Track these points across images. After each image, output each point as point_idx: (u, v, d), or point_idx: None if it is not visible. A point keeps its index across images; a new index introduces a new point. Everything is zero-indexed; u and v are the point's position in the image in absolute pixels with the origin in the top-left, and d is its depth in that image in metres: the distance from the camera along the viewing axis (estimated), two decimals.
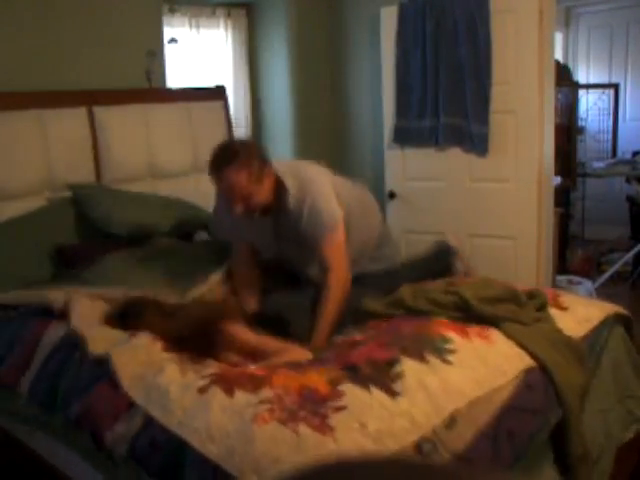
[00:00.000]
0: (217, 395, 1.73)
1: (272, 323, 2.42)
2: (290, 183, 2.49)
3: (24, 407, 2.25)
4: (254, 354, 2.23)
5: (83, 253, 3.03)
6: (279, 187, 2.50)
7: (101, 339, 2.14)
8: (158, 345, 2.07)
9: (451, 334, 2.02)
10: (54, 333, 2.32)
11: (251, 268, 2.74)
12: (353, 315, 2.43)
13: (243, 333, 2.29)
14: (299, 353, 2.18)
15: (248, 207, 2.43)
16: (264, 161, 2.45)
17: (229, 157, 2.38)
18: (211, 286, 2.74)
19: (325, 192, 2.51)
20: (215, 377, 1.84)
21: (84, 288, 2.73)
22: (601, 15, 6.32)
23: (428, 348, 1.92)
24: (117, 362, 1.97)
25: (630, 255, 4.82)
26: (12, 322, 2.52)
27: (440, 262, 2.76)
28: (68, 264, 2.99)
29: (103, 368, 2.00)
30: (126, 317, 2.29)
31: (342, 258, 2.49)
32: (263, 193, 2.44)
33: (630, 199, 5.36)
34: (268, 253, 2.76)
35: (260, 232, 2.66)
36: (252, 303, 2.63)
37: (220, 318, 2.30)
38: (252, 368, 2.01)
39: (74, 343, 2.17)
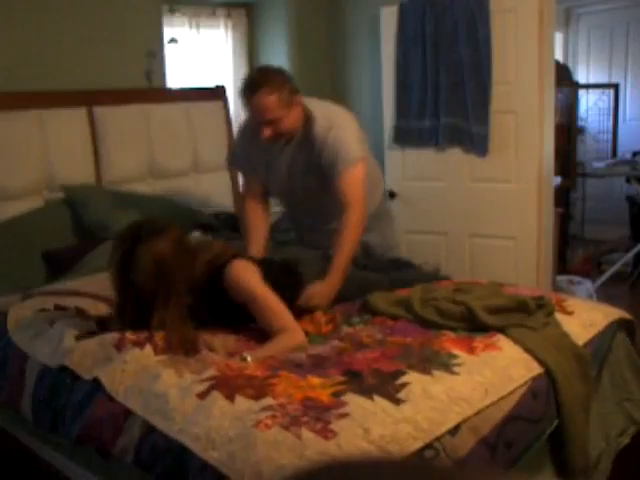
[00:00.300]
0: (218, 401, 1.72)
1: (281, 267, 2.42)
2: (318, 113, 2.58)
3: (31, 427, 2.25)
4: (252, 305, 2.17)
5: (71, 256, 3.00)
6: (306, 118, 2.58)
7: (83, 356, 2.07)
8: (148, 349, 2.03)
9: (457, 351, 2.00)
10: (35, 363, 2.24)
11: (261, 211, 2.78)
12: (357, 293, 2.43)
13: (253, 278, 2.21)
14: (295, 337, 2.14)
15: (276, 131, 2.50)
16: (294, 89, 2.54)
17: (262, 81, 2.47)
18: None
19: (352, 128, 2.59)
20: (214, 381, 1.82)
21: (74, 282, 2.74)
22: (601, 15, 6.32)
23: (435, 364, 1.90)
24: (107, 382, 1.93)
25: (630, 255, 4.82)
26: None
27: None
28: (58, 269, 2.97)
29: (97, 383, 1.97)
30: (141, 233, 2.13)
31: (361, 194, 2.52)
32: (291, 119, 2.52)
33: (630, 199, 5.35)
34: (279, 190, 2.79)
35: (278, 165, 2.69)
36: (256, 249, 2.66)
37: (230, 256, 2.24)
38: (248, 359, 1.99)
39: (59, 368, 2.12)
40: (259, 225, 2.76)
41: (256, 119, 2.52)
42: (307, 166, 2.64)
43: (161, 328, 2.10)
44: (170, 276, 2.11)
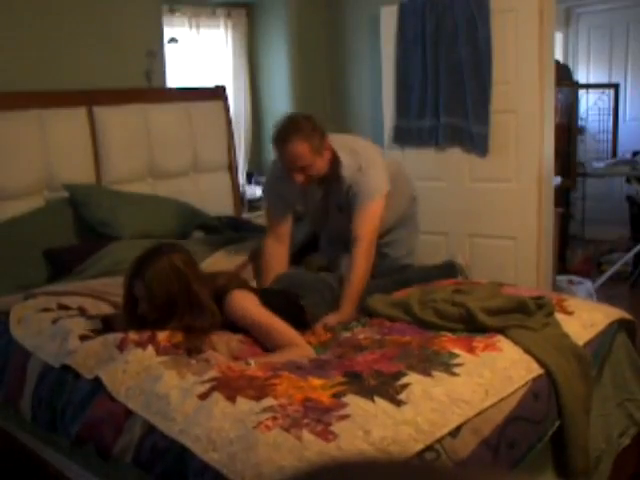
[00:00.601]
0: (219, 402, 1.72)
1: (281, 298, 2.45)
2: (343, 154, 2.67)
3: (29, 426, 2.25)
4: (257, 330, 2.21)
5: (74, 256, 3.01)
6: (335, 159, 2.68)
7: (86, 356, 2.08)
8: (150, 350, 2.03)
9: (457, 350, 2.00)
10: (37, 362, 2.25)
11: (280, 253, 2.85)
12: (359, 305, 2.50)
13: (253, 305, 2.27)
14: (302, 351, 2.16)
15: (307, 177, 2.61)
16: (323, 135, 2.62)
17: (293, 130, 2.56)
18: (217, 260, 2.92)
19: (377, 165, 2.70)
20: (216, 382, 1.82)
21: (75, 283, 2.75)
22: (601, 15, 6.32)
23: (435, 365, 1.90)
24: (108, 382, 1.94)
25: (630, 255, 4.81)
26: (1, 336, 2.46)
27: (445, 276, 2.84)
28: (60, 267, 2.97)
29: (98, 382, 1.97)
30: (159, 250, 2.22)
31: (372, 228, 2.64)
32: (322, 164, 2.62)
33: (630, 199, 5.35)
34: (316, 226, 2.99)
35: (311, 204, 2.85)
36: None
37: (232, 286, 2.30)
38: (252, 364, 2.00)
39: (60, 367, 2.13)
40: (276, 267, 2.81)
41: (288, 166, 2.62)
42: (339, 206, 2.78)
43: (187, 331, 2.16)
44: (188, 285, 2.19)
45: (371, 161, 2.69)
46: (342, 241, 2.87)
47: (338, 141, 2.73)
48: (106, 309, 2.56)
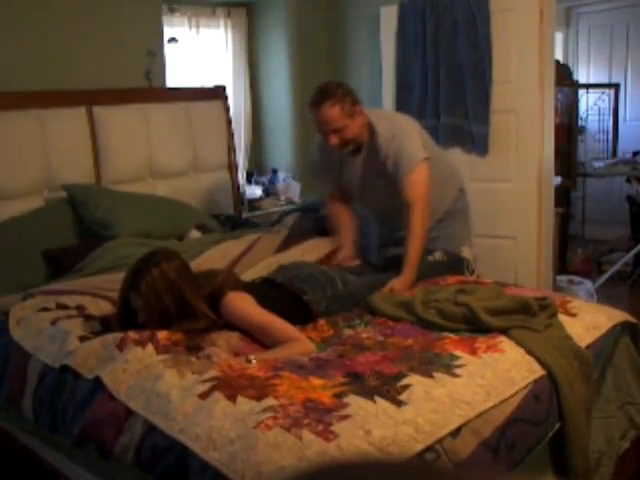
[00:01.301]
0: (219, 401, 1.72)
1: (283, 293, 2.46)
2: (380, 124, 2.84)
3: (32, 426, 2.25)
4: (256, 330, 2.22)
5: (73, 256, 3.00)
6: (370, 129, 2.85)
7: (86, 356, 2.08)
8: (150, 349, 2.03)
9: (459, 352, 1.99)
10: (37, 362, 2.25)
11: (344, 211, 3.13)
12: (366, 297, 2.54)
13: (250, 306, 2.28)
14: (303, 345, 2.16)
15: (341, 140, 2.79)
16: (355, 101, 2.81)
17: (325, 94, 2.77)
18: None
19: (412, 135, 2.84)
20: (216, 382, 1.82)
21: (74, 281, 2.75)
22: (601, 15, 6.31)
23: (436, 366, 1.90)
24: (109, 381, 1.94)
25: (630, 255, 4.81)
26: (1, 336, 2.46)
27: (452, 271, 2.88)
28: (59, 268, 2.97)
29: (98, 382, 1.97)
30: (152, 258, 2.23)
31: (423, 193, 2.77)
32: (354, 128, 2.80)
33: (630, 199, 5.35)
34: (356, 193, 3.07)
35: (350, 172, 2.98)
36: (348, 245, 3.04)
37: (227, 288, 2.29)
38: (253, 360, 2.00)
39: (61, 367, 2.13)
40: (346, 223, 3.11)
41: (323, 129, 2.81)
42: (376, 174, 2.89)
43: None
44: (182, 295, 2.21)
45: (405, 130, 2.83)
46: (382, 213, 3.04)
47: (374, 112, 2.92)
48: (105, 306, 2.56)
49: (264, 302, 2.33)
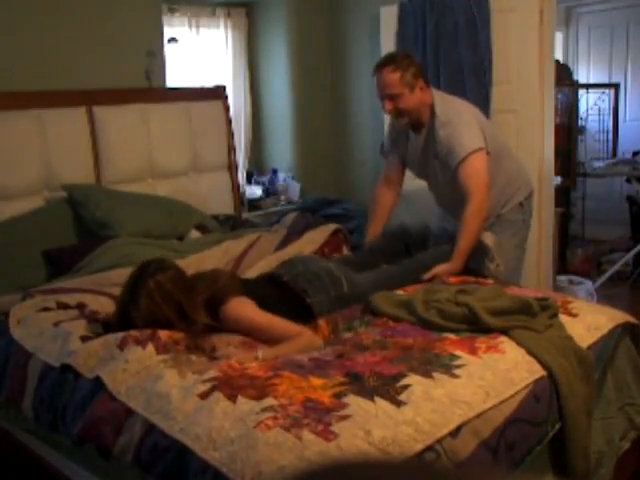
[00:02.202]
0: (219, 401, 1.72)
1: (286, 289, 2.46)
2: (440, 107, 2.81)
3: (32, 426, 2.25)
4: (259, 333, 2.21)
5: (73, 256, 3.00)
6: (432, 111, 2.83)
7: (87, 356, 2.08)
8: (150, 349, 2.03)
9: (459, 352, 1.99)
10: (37, 362, 2.25)
11: (389, 196, 3.13)
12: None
13: (251, 311, 2.26)
14: (310, 341, 2.16)
15: (395, 107, 2.79)
16: (422, 77, 2.81)
17: (389, 59, 2.83)
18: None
19: (470, 122, 2.78)
20: (217, 382, 1.82)
21: (73, 280, 2.75)
22: (601, 15, 6.31)
23: (436, 366, 1.90)
24: (109, 381, 1.94)
25: (630, 255, 4.81)
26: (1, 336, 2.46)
27: (474, 260, 2.83)
28: (59, 267, 2.97)
29: (98, 382, 1.97)
30: (146, 271, 2.23)
31: (480, 184, 2.71)
32: (410, 100, 2.78)
33: (630, 199, 5.35)
34: (417, 173, 3.11)
35: (413, 151, 2.98)
36: (374, 228, 3.07)
37: (227, 295, 2.28)
38: (258, 356, 2.00)
39: (61, 367, 2.13)
40: (383, 207, 3.11)
41: (379, 93, 2.82)
42: (434, 156, 2.87)
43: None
44: (179, 305, 2.21)
45: (463, 117, 2.78)
46: (443, 199, 3.04)
47: (441, 95, 2.89)
48: (106, 302, 2.57)
49: (266, 301, 2.32)
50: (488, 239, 2.89)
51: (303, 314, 2.38)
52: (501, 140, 3.01)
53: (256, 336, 2.23)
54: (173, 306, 2.20)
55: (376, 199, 3.15)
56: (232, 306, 2.25)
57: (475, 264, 2.81)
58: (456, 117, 2.77)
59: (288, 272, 2.57)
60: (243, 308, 2.26)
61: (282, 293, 2.45)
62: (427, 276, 2.66)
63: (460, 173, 2.72)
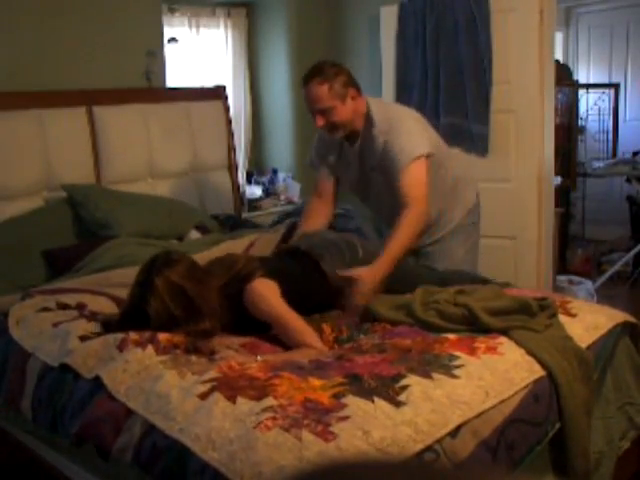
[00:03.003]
0: (219, 402, 1.72)
1: (301, 257, 2.46)
2: (378, 114, 2.65)
3: (31, 426, 2.24)
4: (272, 323, 2.21)
5: (72, 256, 3.00)
6: (368, 119, 2.66)
7: (86, 356, 2.08)
8: (149, 350, 2.03)
9: (458, 353, 1.99)
10: (36, 362, 2.25)
11: (322, 211, 2.88)
12: (407, 286, 2.41)
13: (274, 297, 2.24)
14: (316, 353, 2.15)
15: (327, 122, 2.60)
16: (352, 85, 2.63)
17: (315, 71, 2.62)
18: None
19: (412, 127, 2.63)
20: (216, 382, 1.82)
21: (73, 280, 2.75)
22: (601, 15, 6.32)
23: (435, 367, 1.89)
24: (109, 381, 1.94)
25: (630, 255, 4.81)
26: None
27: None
28: (59, 268, 2.97)
29: (98, 382, 1.97)
30: (153, 267, 2.21)
31: (420, 193, 2.55)
32: (343, 112, 2.60)
33: (630, 199, 5.35)
34: (355, 189, 2.89)
35: (347, 165, 2.79)
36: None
37: (253, 275, 2.27)
38: (258, 360, 2.00)
39: (60, 367, 2.13)
40: (315, 222, 2.84)
41: (309, 108, 2.64)
42: (373, 168, 2.71)
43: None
44: (187, 295, 2.19)
45: (405, 122, 2.62)
46: (386, 215, 2.81)
47: (375, 101, 2.73)
48: (105, 303, 2.57)
49: (285, 273, 2.33)
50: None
51: (322, 282, 2.39)
52: (444, 144, 2.87)
53: (272, 324, 2.22)
54: (182, 303, 2.18)
55: (308, 211, 2.91)
56: (256, 285, 2.23)
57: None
58: (397, 122, 2.61)
59: (305, 243, 2.59)
60: (267, 291, 2.24)
61: (300, 264, 2.46)
62: (343, 274, 2.43)
63: (400, 181, 2.55)
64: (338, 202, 3.08)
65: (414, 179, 2.56)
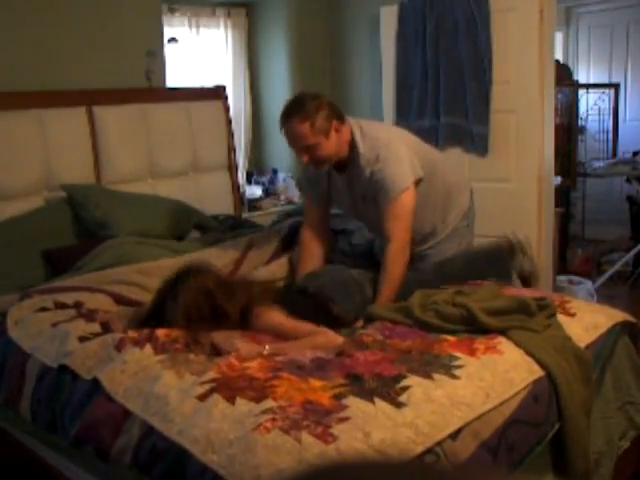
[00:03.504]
0: (218, 403, 1.71)
1: (313, 299, 2.46)
2: (363, 142, 2.54)
3: (30, 427, 2.24)
4: (287, 336, 2.24)
5: (72, 256, 3.00)
6: (353, 148, 2.56)
7: (85, 357, 2.09)
8: (148, 349, 2.04)
9: (458, 353, 1.99)
10: (35, 362, 2.25)
11: (317, 241, 2.81)
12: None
13: (278, 317, 2.30)
14: (330, 337, 2.18)
15: (314, 158, 2.51)
16: (335, 116, 2.51)
17: (295, 108, 2.48)
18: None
19: (399, 154, 2.52)
20: (215, 383, 1.82)
21: (71, 279, 2.75)
22: (601, 15, 6.32)
23: (436, 367, 1.90)
24: (107, 382, 1.94)
25: (630, 255, 4.81)
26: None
27: (497, 266, 2.67)
28: (59, 268, 2.97)
29: (97, 383, 1.97)
30: (181, 278, 2.29)
31: (404, 228, 2.51)
32: (328, 147, 2.50)
33: (630, 199, 5.35)
34: (348, 212, 2.84)
35: (338, 192, 2.73)
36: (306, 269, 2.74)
37: (259, 301, 2.33)
38: (267, 349, 2.04)
39: (59, 368, 2.14)
40: (313, 255, 2.79)
41: (292, 146, 2.55)
42: (362, 197, 2.65)
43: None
44: (218, 302, 2.26)
45: (392, 150, 2.53)
46: (377, 231, 2.78)
47: (359, 125, 2.60)
48: (104, 300, 2.57)
49: (296, 311, 2.35)
50: (518, 237, 2.71)
51: (333, 322, 2.39)
52: (435, 153, 2.84)
53: (284, 338, 2.25)
54: (210, 308, 2.25)
55: (303, 246, 2.83)
56: (262, 313, 2.30)
57: (498, 271, 2.60)
58: (383, 150, 2.51)
59: (313, 283, 2.58)
60: (272, 315, 2.31)
61: (310, 304, 2.47)
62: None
63: (387, 211, 2.51)
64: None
65: (401, 210, 2.51)
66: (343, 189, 2.69)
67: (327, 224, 2.88)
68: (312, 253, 2.80)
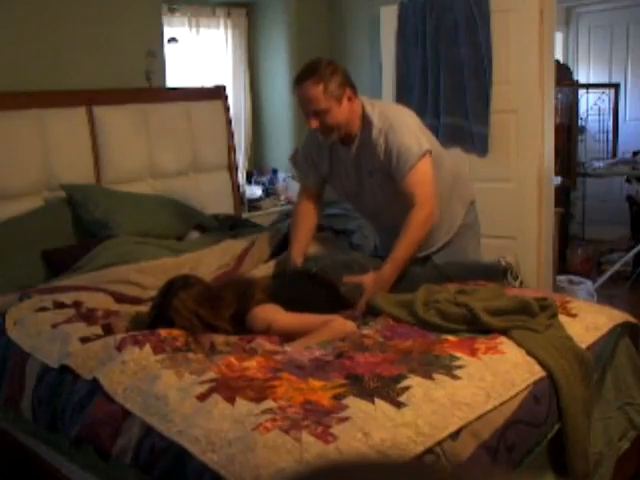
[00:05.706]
0: (218, 403, 1.71)
1: (317, 280, 2.45)
2: (376, 115, 2.53)
3: (31, 427, 2.24)
4: (293, 334, 2.22)
5: (72, 256, 3.00)
6: (365, 120, 2.54)
7: (86, 357, 2.09)
8: (147, 348, 2.03)
9: (459, 354, 1.98)
10: (35, 362, 2.25)
11: (311, 212, 2.81)
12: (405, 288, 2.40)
13: (278, 315, 2.27)
14: (341, 325, 2.16)
15: (322, 124, 2.48)
16: (348, 85, 2.50)
17: (309, 71, 2.46)
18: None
19: (409, 126, 2.53)
20: (215, 383, 1.81)
21: (70, 279, 2.75)
22: (601, 15, 6.32)
23: (436, 368, 1.89)
24: (106, 383, 1.94)
25: (630, 255, 4.81)
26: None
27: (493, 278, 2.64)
28: (58, 268, 2.97)
29: (97, 383, 1.97)
30: (171, 289, 2.29)
31: (428, 192, 2.48)
32: (339, 114, 2.48)
33: (630, 199, 5.36)
34: (347, 193, 2.78)
35: (341, 170, 2.69)
36: (298, 249, 2.72)
37: (251, 304, 2.30)
38: (287, 349, 2.05)
39: (59, 368, 2.14)
40: (307, 226, 2.79)
41: (303, 109, 2.52)
42: (371, 172, 2.61)
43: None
44: (204, 318, 2.25)
45: (404, 120, 2.53)
46: (382, 221, 2.76)
47: (370, 102, 2.59)
48: (103, 299, 2.57)
49: (298, 297, 2.33)
50: (508, 258, 2.73)
51: (336, 304, 2.37)
52: (438, 143, 2.81)
53: (290, 337, 2.22)
54: (198, 321, 2.25)
55: (299, 213, 2.82)
56: (255, 316, 2.26)
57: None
58: (396, 121, 2.51)
59: (316, 264, 2.56)
60: (270, 314, 2.27)
61: (313, 285, 2.45)
62: (350, 280, 2.43)
63: (407, 181, 2.47)
64: (338, 202, 3.05)
65: (423, 177, 2.48)
66: (348, 164, 2.65)
67: (322, 200, 2.87)
68: (306, 224, 2.79)
